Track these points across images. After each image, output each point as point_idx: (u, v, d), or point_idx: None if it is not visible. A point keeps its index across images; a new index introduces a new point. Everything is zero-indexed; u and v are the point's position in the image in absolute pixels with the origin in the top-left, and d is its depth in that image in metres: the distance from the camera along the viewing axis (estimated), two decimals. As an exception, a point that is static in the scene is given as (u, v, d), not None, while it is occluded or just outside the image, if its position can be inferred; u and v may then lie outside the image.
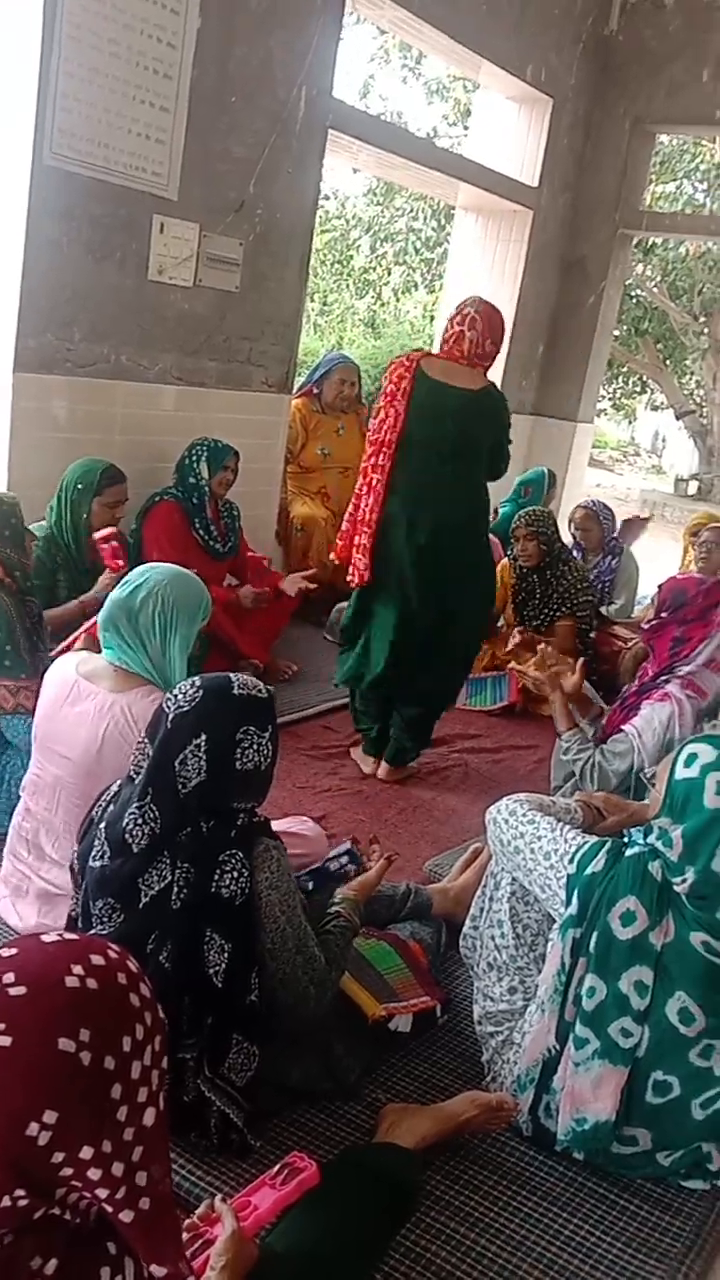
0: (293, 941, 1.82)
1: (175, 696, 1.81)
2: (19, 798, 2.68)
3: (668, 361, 16.69)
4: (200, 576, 3.08)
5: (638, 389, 18.50)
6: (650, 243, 12.83)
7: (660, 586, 3.02)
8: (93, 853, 1.87)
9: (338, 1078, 1.99)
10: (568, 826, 1.95)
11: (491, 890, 2.11)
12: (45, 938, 0.99)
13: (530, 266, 6.24)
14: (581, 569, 4.63)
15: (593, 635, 4.50)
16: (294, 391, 5.03)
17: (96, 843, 1.87)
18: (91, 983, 0.95)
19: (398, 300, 17.08)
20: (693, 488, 17.43)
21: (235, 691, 1.82)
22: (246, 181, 4.35)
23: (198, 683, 1.82)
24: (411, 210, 14.78)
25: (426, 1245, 1.72)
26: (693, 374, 17.51)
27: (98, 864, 1.85)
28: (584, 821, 2.19)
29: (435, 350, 3.42)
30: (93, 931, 1.83)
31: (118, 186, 3.83)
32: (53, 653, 2.73)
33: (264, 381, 4.74)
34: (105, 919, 1.83)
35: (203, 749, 1.76)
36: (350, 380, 5.21)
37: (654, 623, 2.94)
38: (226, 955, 1.75)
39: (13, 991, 0.91)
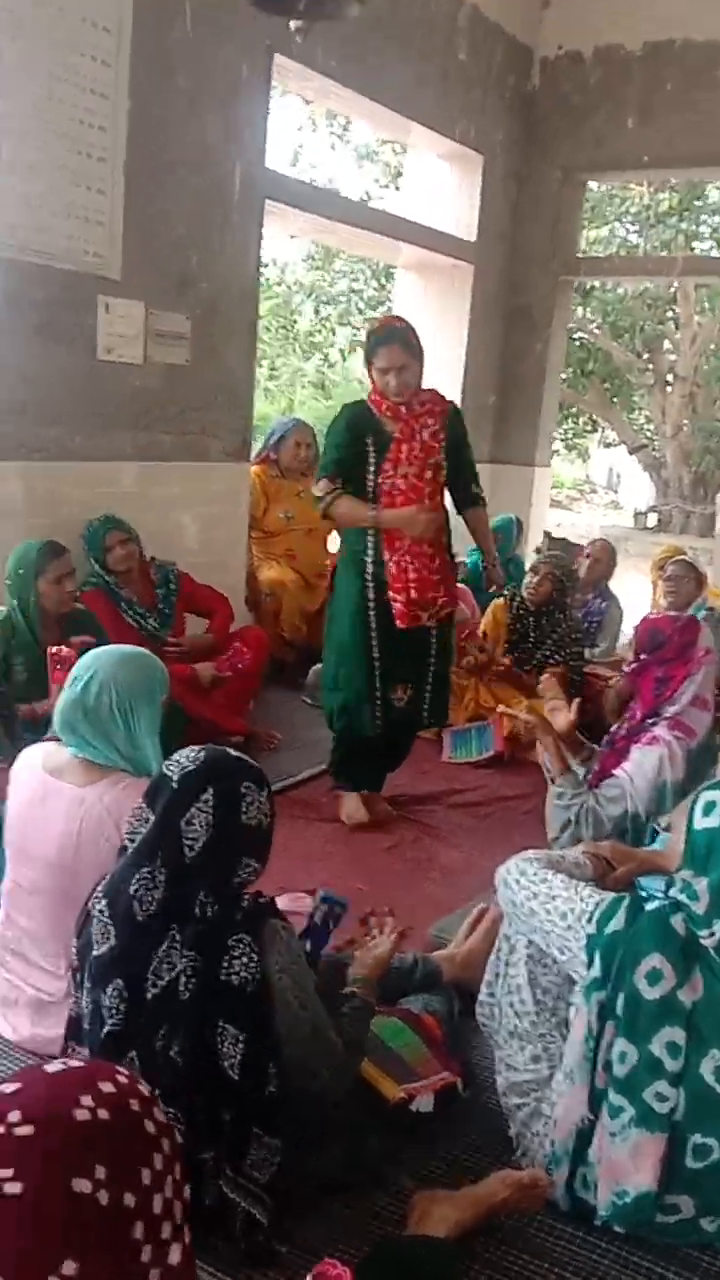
0: (308, 1027, 1.74)
1: (177, 761, 1.79)
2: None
3: (615, 400, 16.99)
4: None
5: (589, 428, 18.81)
6: (589, 286, 13.13)
7: (636, 629, 3.00)
8: (95, 940, 1.79)
9: (362, 1166, 1.90)
10: (582, 884, 1.89)
11: (506, 954, 2.04)
12: (49, 1068, 0.92)
13: (475, 319, 6.32)
14: (575, 618, 4.62)
15: (580, 679, 4.47)
16: (251, 459, 5.03)
17: (97, 928, 1.79)
18: (103, 1113, 0.87)
19: (345, 360, 17.33)
20: (652, 520, 17.68)
21: (233, 755, 1.82)
22: (188, 256, 4.38)
23: (195, 749, 1.81)
24: (351, 272, 15.04)
25: (473, 1344, 1.62)
26: (641, 409, 17.84)
27: (103, 949, 1.77)
28: (593, 873, 2.14)
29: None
30: (104, 1029, 1.75)
31: (61, 270, 3.84)
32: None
33: (222, 451, 4.73)
34: (113, 1010, 1.74)
35: (210, 803, 1.73)
36: (306, 442, 5.22)
37: (634, 665, 2.91)
38: (241, 1046, 1.67)
39: (19, 1132, 0.83)
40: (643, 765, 2.73)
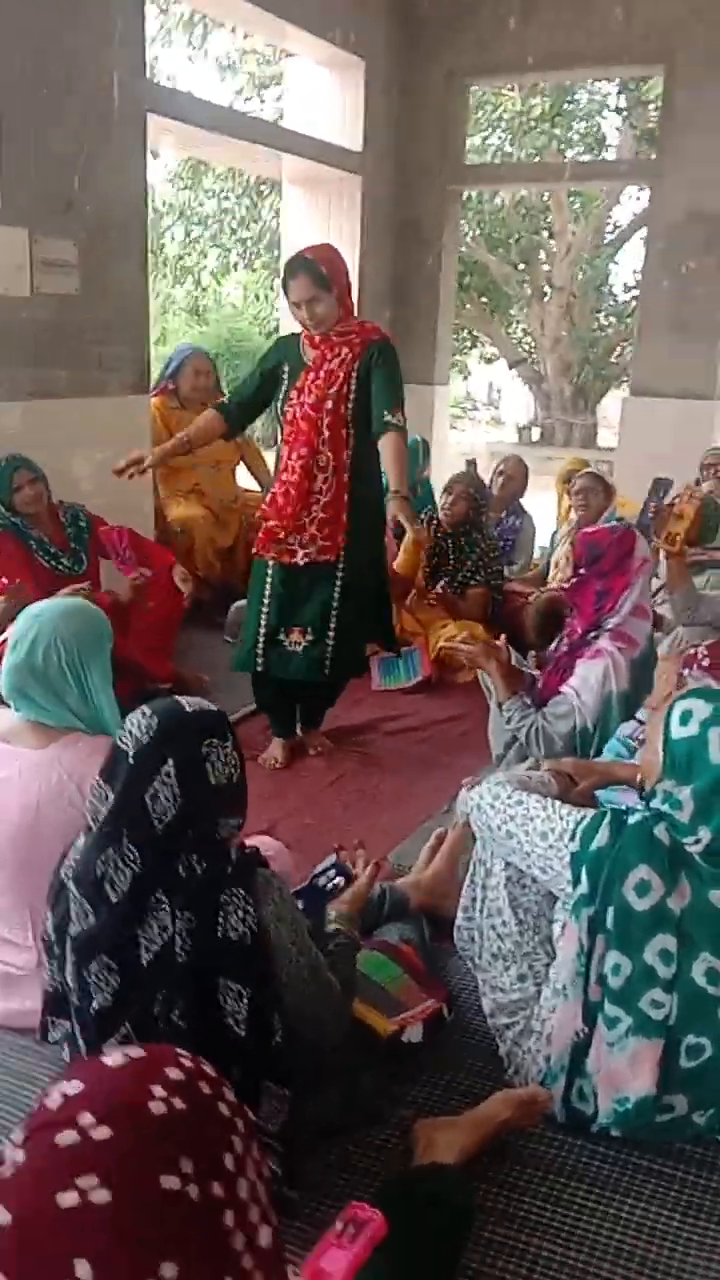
0: (307, 972, 1.71)
1: (129, 732, 1.69)
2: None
3: (493, 313, 16.92)
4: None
5: (468, 344, 18.73)
6: (465, 196, 12.93)
7: (573, 543, 3.00)
8: (73, 916, 1.72)
9: (359, 1105, 1.90)
10: (558, 802, 1.89)
11: (483, 878, 2.05)
12: (107, 1060, 0.86)
13: (366, 233, 6.16)
14: (492, 536, 4.61)
15: (501, 599, 4.49)
16: (150, 390, 4.83)
17: (73, 906, 1.72)
18: (178, 1102, 0.82)
19: (218, 283, 16.81)
20: (535, 434, 17.81)
21: (188, 710, 1.71)
22: (70, 178, 4.12)
23: (147, 712, 1.70)
24: (221, 190, 14.50)
25: (491, 1262, 1.65)
26: (518, 323, 17.82)
27: (82, 926, 1.70)
28: (558, 790, 2.15)
29: (350, 312, 3.34)
30: (93, 1003, 1.69)
31: (-66, 197, 3.57)
32: None
33: (119, 384, 4.53)
34: (102, 984, 1.68)
35: (172, 776, 1.65)
36: (204, 370, 5.03)
37: (573, 580, 2.92)
38: (245, 1000, 1.63)
39: (97, 1135, 0.78)
40: (588, 679, 2.75)
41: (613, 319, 16.88)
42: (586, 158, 13.84)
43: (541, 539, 5.62)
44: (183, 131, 5.01)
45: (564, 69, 6.48)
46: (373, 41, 5.96)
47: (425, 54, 6.17)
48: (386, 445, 3.23)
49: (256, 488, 5.36)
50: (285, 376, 3.34)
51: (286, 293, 3.29)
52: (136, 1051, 0.89)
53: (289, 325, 3.49)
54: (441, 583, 4.40)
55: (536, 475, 5.81)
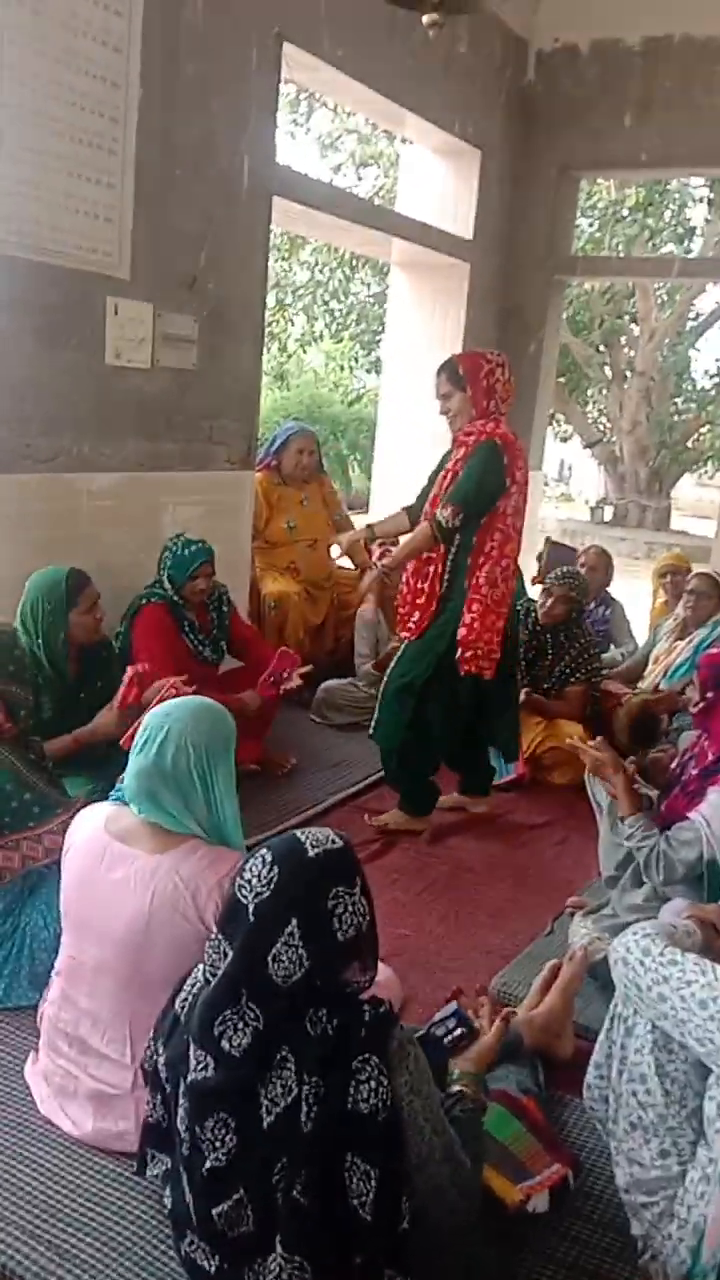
0: (440, 1152, 1.57)
1: (249, 882, 1.56)
2: (42, 966, 2.40)
3: (571, 393, 16.97)
4: (192, 682, 2.87)
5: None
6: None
7: (698, 665, 2.87)
8: (190, 1063, 1.61)
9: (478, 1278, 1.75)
10: (717, 966, 1.75)
11: (622, 1036, 1.90)
12: None
13: (470, 319, 6.16)
14: (590, 634, 4.50)
15: (598, 697, 4.35)
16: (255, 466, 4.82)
17: (193, 1051, 1.61)
18: None
19: (303, 351, 17.08)
20: (608, 514, 17.72)
21: (311, 854, 1.57)
22: (197, 256, 4.15)
23: (268, 858, 1.57)
24: (316, 263, 14.78)
25: None
26: (595, 404, 17.84)
27: (200, 1075, 1.59)
28: (703, 940, 2.01)
29: (487, 414, 3.44)
30: (206, 1160, 1.57)
31: (68, 270, 3.59)
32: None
33: (226, 460, 4.52)
34: (217, 1143, 1.56)
35: (297, 937, 1.52)
36: (309, 449, 5.02)
37: (701, 704, 2.78)
38: (373, 1182, 1.49)
39: None
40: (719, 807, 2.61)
41: (691, 404, 16.84)
42: (685, 250, 13.93)
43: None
44: (289, 210, 5.05)
45: (676, 167, 6.50)
46: (489, 132, 6.01)
47: (539, 146, 6.20)
48: (415, 529, 3.51)
49: (350, 566, 5.31)
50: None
51: (435, 392, 3.54)
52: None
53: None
54: (527, 685, 4.27)
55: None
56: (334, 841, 1.61)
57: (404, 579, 3.60)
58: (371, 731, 3.65)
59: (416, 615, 3.50)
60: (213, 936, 1.61)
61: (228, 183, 4.24)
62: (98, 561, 3.52)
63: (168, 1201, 1.76)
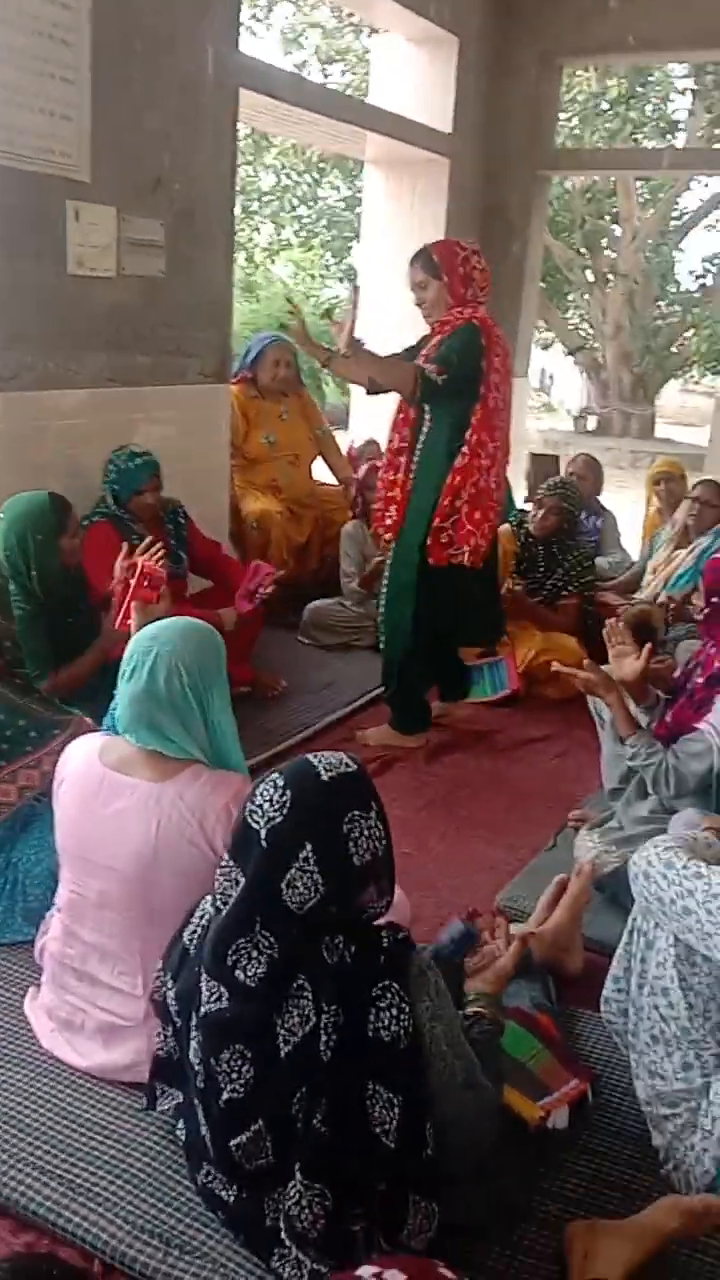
0: (462, 1077, 1.53)
1: (260, 807, 1.49)
2: (36, 901, 2.34)
3: (552, 299, 16.57)
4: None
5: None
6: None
7: (704, 572, 2.78)
8: (202, 994, 1.54)
9: (504, 1200, 1.72)
10: (747, 880, 1.69)
11: (642, 950, 1.85)
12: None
13: (451, 218, 5.91)
14: (584, 546, 4.39)
15: (593, 610, 4.27)
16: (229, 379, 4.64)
17: (203, 983, 1.55)
18: None
19: (271, 260, 16.56)
20: (592, 423, 17.46)
21: (325, 778, 1.51)
22: (160, 155, 3.91)
23: (280, 782, 1.51)
24: (282, 167, 14.26)
25: None
26: (577, 309, 17.44)
27: (214, 1007, 1.53)
28: (721, 853, 1.95)
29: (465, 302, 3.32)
30: (223, 1093, 1.51)
31: (24, 173, 3.37)
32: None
33: (200, 372, 4.33)
34: (234, 1075, 1.51)
35: (312, 862, 1.46)
36: (285, 360, 4.83)
37: (707, 610, 2.70)
38: (397, 1110, 1.45)
39: None
40: (730, 716, 2.54)
41: (676, 308, 16.47)
42: (672, 142, 13.45)
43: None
44: (254, 105, 4.77)
45: (667, 50, 6.19)
46: (467, 18, 5.68)
47: (521, 32, 5.89)
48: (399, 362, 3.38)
49: (333, 482, 5.17)
50: None
51: (409, 282, 3.41)
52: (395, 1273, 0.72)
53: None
54: (527, 594, 4.19)
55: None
56: (347, 765, 1.54)
57: (380, 475, 3.56)
58: (381, 646, 3.57)
59: (393, 510, 3.43)
60: (223, 864, 1.54)
61: (191, 76, 3.99)
62: (65, 485, 3.35)
63: (181, 1134, 1.72)
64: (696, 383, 20.52)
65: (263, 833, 1.48)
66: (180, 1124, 1.73)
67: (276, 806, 1.49)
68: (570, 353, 17.29)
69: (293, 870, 1.46)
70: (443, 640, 3.62)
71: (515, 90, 5.97)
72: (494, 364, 3.30)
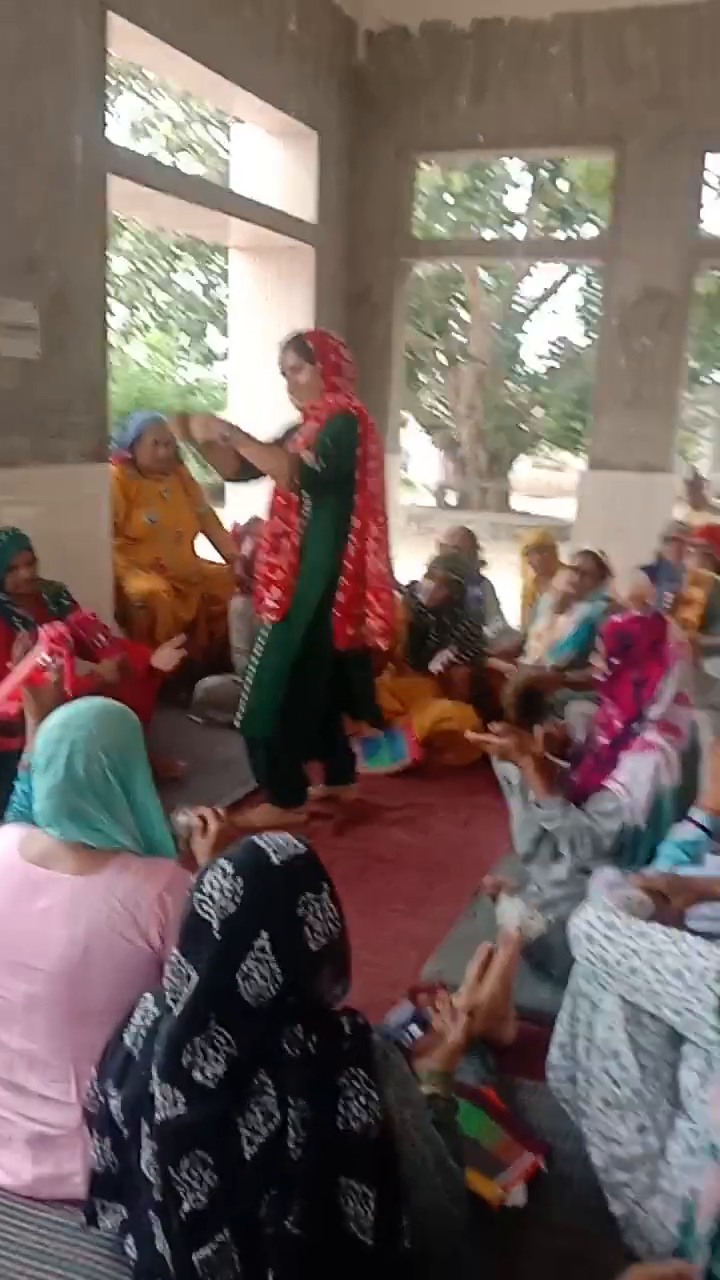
0: (433, 1163, 1.48)
1: (209, 897, 1.43)
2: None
3: (409, 381, 17.12)
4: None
5: (381, 409, 18.86)
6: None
7: (601, 634, 2.86)
8: (156, 1102, 1.45)
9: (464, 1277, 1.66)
10: (687, 935, 1.71)
11: (588, 1014, 1.84)
12: None
13: (319, 302, 6.06)
14: (473, 614, 4.47)
15: (484, 677, 4.34)
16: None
17: (156, 1090, 1.45)
18: None
19: (127, 342, 16.61)
20: (453, 498, 17.99)
21: (276, 861, 1.46)
22: (31, 240, 3.90)
23: (228, 869, 1.45)
24: (135, 253, 14.39)
25: None
26: (430, 389, 18.07)
27: (171, 1113, 1.44)
28: (654, 910, 1.97)
29: (337, 389, 3.36)
30: (184, 1203, 1.41)
31: None
32: None
33: (79, 452, 4.28)
34: (195, 1184, 1.42)
35: (268, 950, 1.40)
36: (164, 440, 4.80)
37: (607, 674, 2.77)
38: (372, 1203, 1.38)
39: None
40: (638, 774, 2.59)
41: (524, 386, 17.26)
42: (511, 233, 14.20)
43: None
44: (115, 191, 4.81)
45: (514, 148, 6.57)
46: (324, 113, 5.92)
47: (375, 128, 6.16)
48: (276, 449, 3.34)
49: (217, 559, 5.14)
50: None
51: (279, 366, 3.40)
52: None
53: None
54: (444, 655, 4.23)
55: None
56: (296, 846, 1.50)
57: (259, 557, 3.50)
58: (240, 724, 3.48)
59: (277, 593, 3.37)
60: (173, 960, 1.46)
61: (60, 162, 4.01)
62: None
63: (131, 1252, 1.60)
64: (548, 457, 21.46)
65: (215, 924, 1.42)
66: (129, 1241, 1.61)
67: (229, 895, 1.43)
68: (427, 431, 17.84)
69: (249, 961, 1.40)
70: (327, 720, 3.59)
71: (374, 181, 6.22)
72: (370, 450, 3.35)
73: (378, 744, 4.19)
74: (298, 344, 3.37)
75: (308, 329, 3.56)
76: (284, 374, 3.39)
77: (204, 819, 2.08)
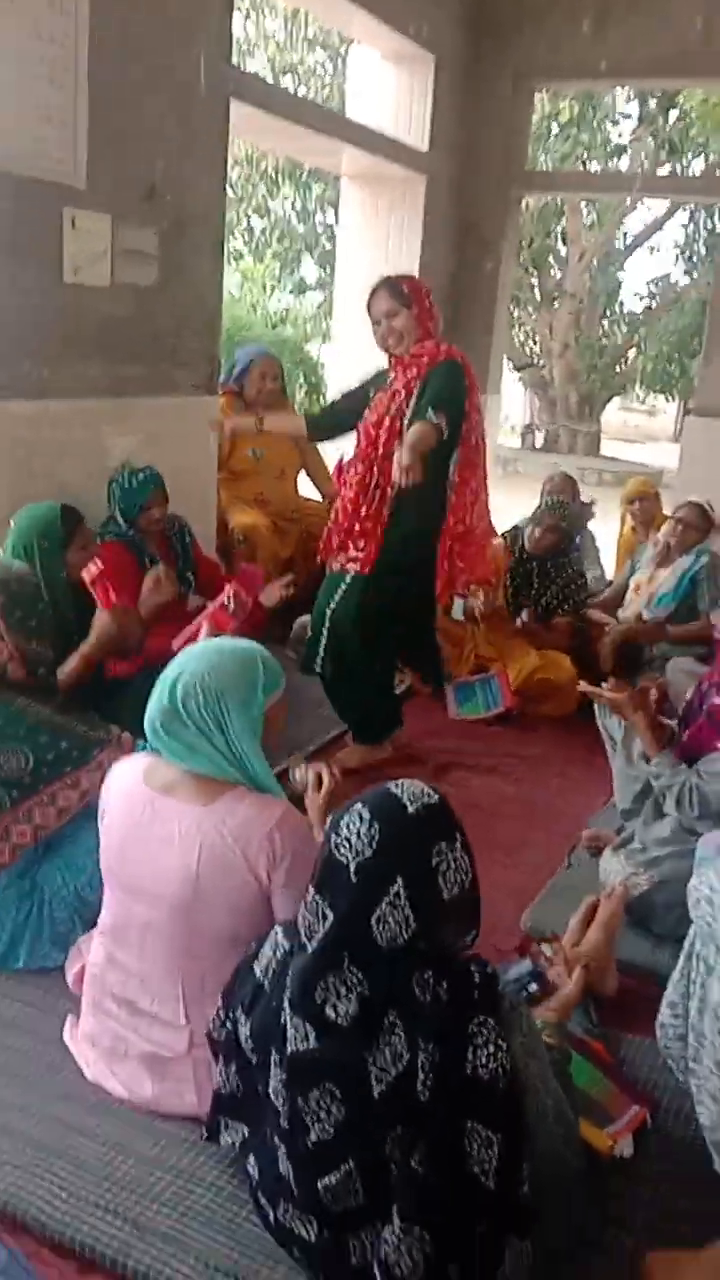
0: (553, 1113, 1.51)
1: (346, 840, 1.47)
2: (63, 925, 2.27)
3: (502, 317, 16.74)
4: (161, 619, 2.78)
5: (471, 345, 18.50)
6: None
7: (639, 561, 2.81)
8: (288, 1033, 1.50)
9: (578, 1231, 1.70)
10: None
11: (702, 976, 1.84)
12: None
13: (427, 234, 5.93)
14: (577, 565, 4.42)
15: (585, 629, 4.29)
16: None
17: (289, 1022, 1.50)
18: None
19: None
20: (539, 439, 17.68)
21: (410, 810, 1.49)
22: (154, 163, 3.86)
23: (365, 814, 1.48)
24: (236, 178, 14.20)
25: None
26: (523, 325, 17.67)
27: (301, 1046, 1.49)
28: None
29: (431, 335, 3.31)
30: (310, 1133, 1.47)
31: (21, 178, 3.30)
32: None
33: (190, 383, 4.28)
34: (323, 1114, 1.47)
35: (403, 897, 1.43)
36: (273, 374, 4.78)
37: (723, 627, 2.73)
38: (496, 1148, 1.42)
39: None
40: (753, 738, 2.56)
41: (620, 327, 16.78)
42: (617, 165, 13.71)
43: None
44: (238, 113, 4.73)
45: (636, 77, 6.29)
46: (443, 37, 5.72)
47: (495, 54, 5.93)
48: (412, 429, 3.15)
49: (318, 497, 5.13)
50: (371, 398, 3.37)
51: (369, 312, 3.34)
52: None
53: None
54: (525, 612, 4.20)
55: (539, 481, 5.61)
56: (430, 795, 1.52)
57: (339, 502, 3.41)
58: (319, 667, 3.47)
59: (362, 543, 3.31)
60: (309, 898, 1.50)
61: (186, 83, 3.94)
62: (56, 496, 3.29)
63: (252, 1170, 1.67)
64: (642, 401, 20.92)
65: (351, 867, 1.45)
66: (251, 1160, 1.68)
67: (365, 840, 1.46)
68: (518, 369, 17.48)
69: (383, 906, 1.44)
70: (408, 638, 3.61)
71: (490, 111, 6.02)
72: (474, 401, 3.30)
73: (472, 689, 4.19)
74: (392, 288, 3.29)
75: (397, 273, 3.44)
76: (377, 321, 3.30)
77: (319, 775, 2.12)
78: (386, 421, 3.26)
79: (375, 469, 3.26)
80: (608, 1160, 1.76)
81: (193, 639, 2.43)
